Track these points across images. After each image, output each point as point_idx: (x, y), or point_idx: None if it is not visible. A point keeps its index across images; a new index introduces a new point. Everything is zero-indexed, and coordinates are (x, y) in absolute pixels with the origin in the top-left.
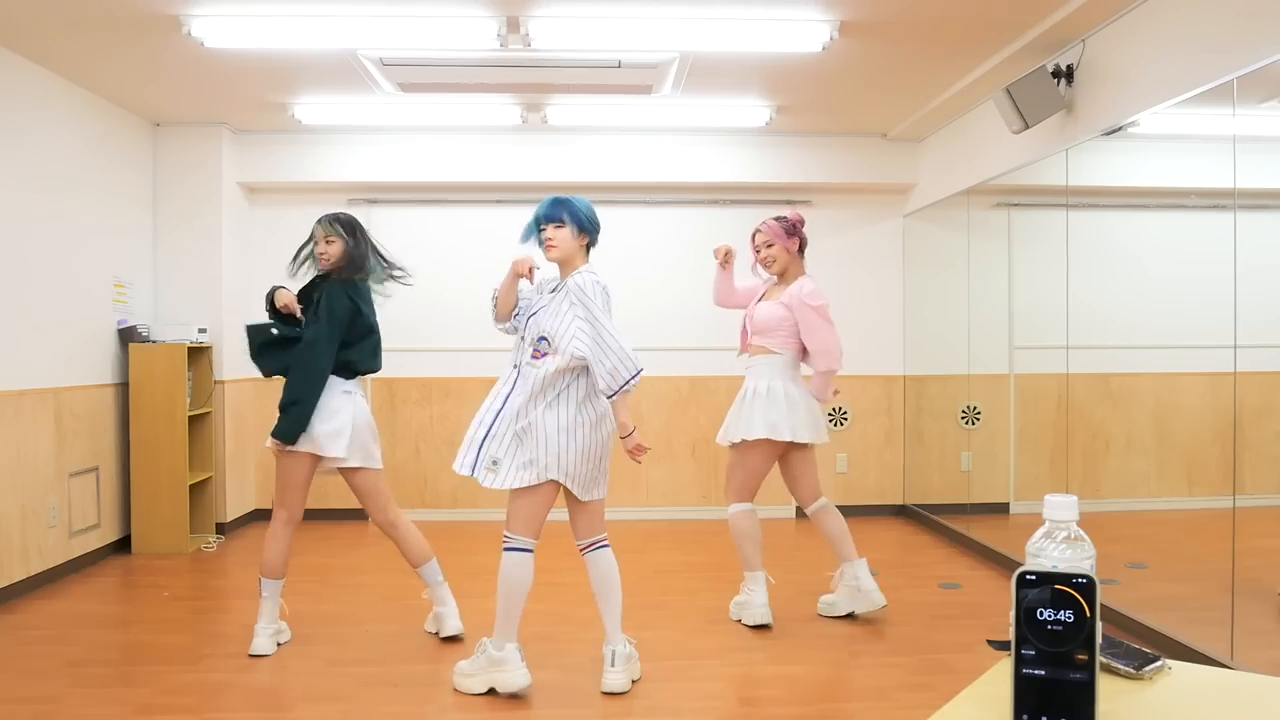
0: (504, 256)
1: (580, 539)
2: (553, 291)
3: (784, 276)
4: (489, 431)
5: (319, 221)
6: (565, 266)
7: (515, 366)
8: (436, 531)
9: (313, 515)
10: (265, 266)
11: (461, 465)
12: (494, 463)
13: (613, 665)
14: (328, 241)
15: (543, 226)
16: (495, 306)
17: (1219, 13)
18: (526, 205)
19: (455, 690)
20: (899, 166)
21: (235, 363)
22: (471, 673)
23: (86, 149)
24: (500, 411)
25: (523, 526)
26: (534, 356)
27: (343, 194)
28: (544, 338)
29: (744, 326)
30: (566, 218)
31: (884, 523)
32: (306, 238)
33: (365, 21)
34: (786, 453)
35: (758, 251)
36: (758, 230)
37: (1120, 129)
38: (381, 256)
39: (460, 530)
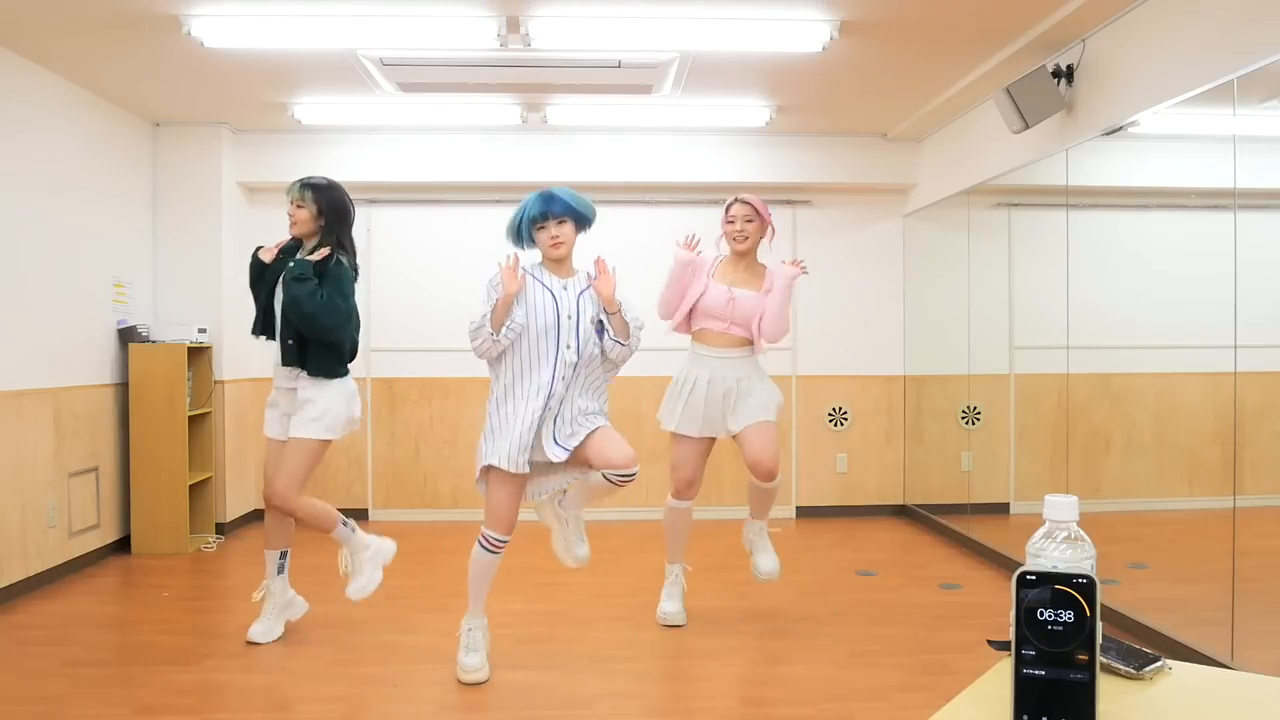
0: (503, 256)
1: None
2: (577, 291)
3: (745, 259)
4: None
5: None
6: (566, 263)
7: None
8: (435, 532)
9: None
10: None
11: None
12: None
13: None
14: (298, 206)
15: (542, 224)
16: (492, 322)
17: (1219, 13)
18: None
19: None
20: (899, 166)
21: (235, 363)
22: None
23: (86, 149)
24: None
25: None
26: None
27: None
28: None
29: (694, 309)
30: (569, 213)
31: (884, 523)
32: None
33: (365, 21)
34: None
35: (731, 223)
36: (738, 201)
37: (1120, 129)
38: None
39: (460, 530)
